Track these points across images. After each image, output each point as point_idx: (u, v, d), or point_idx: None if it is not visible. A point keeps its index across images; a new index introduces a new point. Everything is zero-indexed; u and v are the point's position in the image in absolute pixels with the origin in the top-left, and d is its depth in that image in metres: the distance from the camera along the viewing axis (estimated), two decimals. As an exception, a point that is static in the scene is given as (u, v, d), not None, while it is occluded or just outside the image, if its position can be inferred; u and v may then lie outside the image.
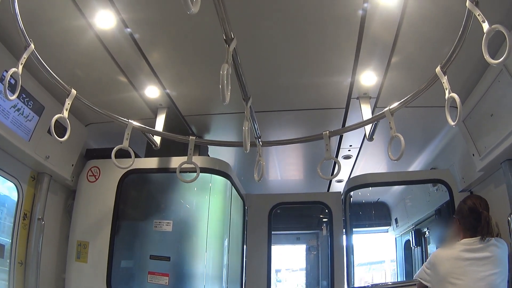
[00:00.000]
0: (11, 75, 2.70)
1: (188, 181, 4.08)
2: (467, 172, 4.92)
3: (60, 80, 3.21)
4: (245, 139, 3.15)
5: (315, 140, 3.91)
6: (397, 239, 8.44)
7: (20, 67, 2.76)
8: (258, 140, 4.04)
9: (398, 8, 3.27)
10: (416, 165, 6.62)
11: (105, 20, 3.42)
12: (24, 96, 3.93)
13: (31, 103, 4.03)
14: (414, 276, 4.40)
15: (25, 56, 2.80)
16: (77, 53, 3.86)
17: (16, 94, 2.82)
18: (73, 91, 3.30)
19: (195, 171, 3.98)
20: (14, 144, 3.90)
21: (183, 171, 4.03)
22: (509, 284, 3.76)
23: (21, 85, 2.81)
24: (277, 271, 10.96)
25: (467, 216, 3.97)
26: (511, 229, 3.86)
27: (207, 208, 4.89)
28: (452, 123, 2.70)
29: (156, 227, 4.76)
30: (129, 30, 3.54)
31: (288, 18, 3.46)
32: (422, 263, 5.31)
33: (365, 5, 3.24)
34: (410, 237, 7.41)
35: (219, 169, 5.05)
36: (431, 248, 6.62)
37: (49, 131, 4.08)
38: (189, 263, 4.81)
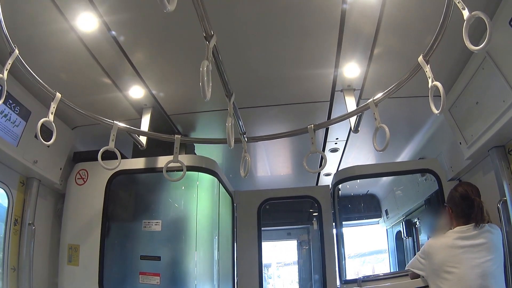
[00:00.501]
0: (-4, 81, 2.71)
1: (175, 180, 4.11)
2: (455, 160, 4.94)
3: (45, 84, 3.21)
4: (229, 135, 3.14)
5: (300, 134, 3.93)
6: (388, 230, 8.48)
7: (5, 73, 2.77)
8: (243, 136, 4.06)
9: (378, -3, 3.28)
10: (404, 156, 6.65)
11: (86, 23, 3.42)
12: (10, 101, 3.92)
13: (17, 108, 4.02)
14: (406, 266, 4.41)
15: (9, 61, 2.82)
16: (61, 57, 3.87)
17: (2, 100, 2.82)
18: (58, 95, 3.30)
19: (182, 170, 4.00)
20: (2, 150, 3.89)
21: (170, 170, 4.05)
22: (505, 269, 3.78)
23: (7, 91, 2.81)
24: (266, 266, 10.92)
25: (459, 204, 4.01)
26: (501, 216, 3.87)
27: (196, 206, 4.87)
28: (436, 112, 2.72)
29: (145, 227, 4.75)
30: (111, 31, 3.54)
31: (268, 12, 3.47)
32: (414, 253, 5.32)
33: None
34: (401, 228, 7.44)
35: (205, 167, 5.03)
36: (423, 238, 6.66)
37: (36, 136, 4.10)
38: (180, 262, 4.81)
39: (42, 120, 3.17)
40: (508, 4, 3.13)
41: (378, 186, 8.32)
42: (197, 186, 4.99)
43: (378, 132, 3.33)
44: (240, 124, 3.91)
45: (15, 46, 2.83)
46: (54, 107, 3.28)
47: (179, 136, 4.04)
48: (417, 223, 6.87)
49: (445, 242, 3.91)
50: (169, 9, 1.89)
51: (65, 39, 3.58)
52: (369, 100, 3.44)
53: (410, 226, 7.11)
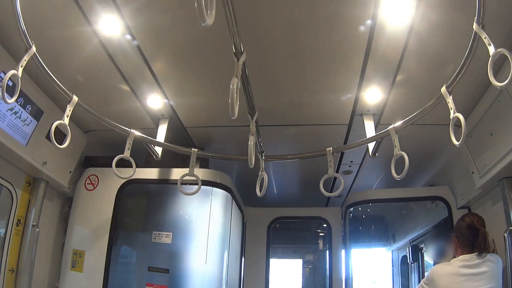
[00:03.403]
0: (9, 78, 2.63)
1: (189, 194, 4.05)
2: (466, 189, 4.94)
3: (62, 85, 3.16)
4: (250, 154, 3.12)
5: (318, 156, 3.90)
6: (393, 254, 8.45)
7: (20, 69, 2.69)
8: (261, 154, 4.04)
9: (405, 26, 3.30)
10: (415, 181, 6.66)
11: (109, 27, 3.38)
12: (22, 99, 3.86)
13: (29, 107, 3.96)
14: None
15: (25, 58, 2.73)
16: (80, 59, 3.81)
17: (14, 98, 2.73)
18: (75, 98, 3.24)
19: (196, 183, 3.97)
20: (9, 148, 3.81)
21: (184, 183, 4.02)
22: None
23: (20, 89, 2.75)
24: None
25: (465, 233, 4.10)
26: (507, 245, 3.92)
27: (208, 221, 4.84)
28: (457, 143, 2.69)
29: (155, 238, 4.71)
30: (133, 37, 3.51)
31: (296, 34, 3.46)
32: (419, 278, 5.36)
33: (373, 23, 3.26)
34: (407, 252, 7.42)
35: (220, 182, 5.03)
36: (428, 264, 6.65)
37: (47, 137, 4.06)
38: (188, 275, 4.75)
39: (56, 123, 3.09)
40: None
41: (386, 210, 8.28)
42: (210, 201, 4.96)
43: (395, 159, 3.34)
44: (260, 142, 3.90)
45: (32, 43, 2.76)
46: (70, 110, 3.22)
47: (196, 150, 4.01)
48: (424, 248, 6.85)
49: (449, 270, 4.00)
50: (208, 23, 1.86)
51: (86, 42, 3.55)
52: (389, 127, 3.43)
53: (416, 252, 7.10)
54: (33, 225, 4.36)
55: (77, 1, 3.11)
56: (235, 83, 2.39)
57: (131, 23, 3.35)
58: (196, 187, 3.97)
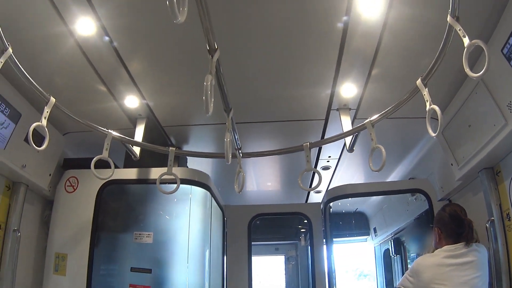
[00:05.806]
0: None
1: (168, 193, 4.05)
2: (446, 181, 4.99)
3: (39, 87, 3.14)
4: (227, 150, 3.13)
5: (296, 151, 3.93)
6: (376, 248, 8.49)
7: (-3, 72, 2.70)
8: (239, 151, 4.05)
9: (379, 20, 3.31)
10: (394, 175, 6.71)
11: (86, 27, 3.34)
12: (-1, 102, 3.82)
13: (7, 110, 3.88)
14: (396, 284, 4.43)
15: (1, 60, 2.72)
16: (57, 60, 3.78)
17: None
18: (52, 99, 3.22)
19: (175, 182, 3.96)
20: (-14, 152, 3.75)
21: (163, 182, 4.01)
22: (490, 287, 3.85)
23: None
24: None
25: (449, 223, 4.04)
26: (489, 235, 3.96)
27: (188, 220, 4.84)
28: (433, 134, 2.76)
29: (136, 239, 4.70)
30: (109, 38, 3.48)
31: (270, 30, 3.47)
32: (402, 271, 5.36)
33: (347, 18, 3.27)
34: (390, 246, 7.46)
35: (199, 181, 5.02)
36: (411, 256, 6.68)
37: (25, 139, 3.99)
38: (171, 275, 4.77)
39: (34, 125, 3.07)
40: (500, 32, 3.18)
41: (367, 204, 8.38)
42: (189, 199, 4.96)
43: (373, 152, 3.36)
44: (236, 139, 3.90)
45: (8, 45, 2.75)
46: (47, 112, 3.20)
47: (174, 148, 4.00)
48: (405, 241, 6.88)
49: (434, 261, 3.95)
50: (180, 20, 1.85)
51: (62, 42, 3.51)
52: (366, 121, 3.46)
53: (398, 245, 7.15)
54: (14, 230, 4.27)
55: (53, 1, 3.07)
56: (209, 80, 2.38)
57: (106, 24, 3.33)
58: (175, 186, 3.98)
